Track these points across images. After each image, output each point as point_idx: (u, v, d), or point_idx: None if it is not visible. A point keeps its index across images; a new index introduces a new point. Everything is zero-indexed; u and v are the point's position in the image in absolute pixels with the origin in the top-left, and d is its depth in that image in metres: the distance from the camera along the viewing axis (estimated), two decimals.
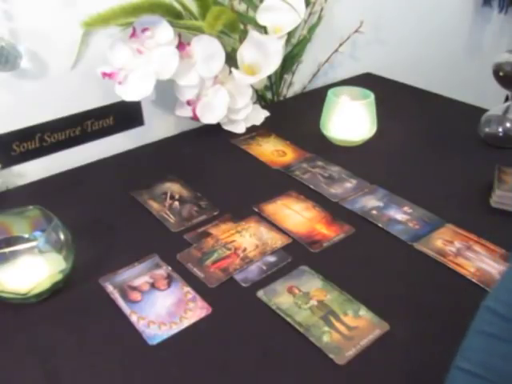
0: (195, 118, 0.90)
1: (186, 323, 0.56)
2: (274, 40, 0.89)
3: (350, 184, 0.80)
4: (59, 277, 0.58)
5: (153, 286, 0.61)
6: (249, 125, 0.97)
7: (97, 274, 0.62)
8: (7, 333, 0.55)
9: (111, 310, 0.58)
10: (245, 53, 0.90)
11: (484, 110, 0.93)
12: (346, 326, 0.55)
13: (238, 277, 0.62)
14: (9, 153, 0.81)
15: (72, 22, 0.77)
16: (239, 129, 0.95)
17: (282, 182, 0.80)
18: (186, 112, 0.90)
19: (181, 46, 0.83)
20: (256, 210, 0.73)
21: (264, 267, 0.63)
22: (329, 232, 0.69)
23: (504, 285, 0.42)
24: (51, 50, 0.80)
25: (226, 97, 0.88)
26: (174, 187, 0.79)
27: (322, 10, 1.07)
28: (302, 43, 1.07)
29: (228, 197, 0.77)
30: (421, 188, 0.79)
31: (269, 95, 1.10)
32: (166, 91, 0.88)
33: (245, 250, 0.66)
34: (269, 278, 0.62)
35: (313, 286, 0.60)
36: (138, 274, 0.62)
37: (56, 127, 0.85)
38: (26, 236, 0.61)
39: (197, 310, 0.57)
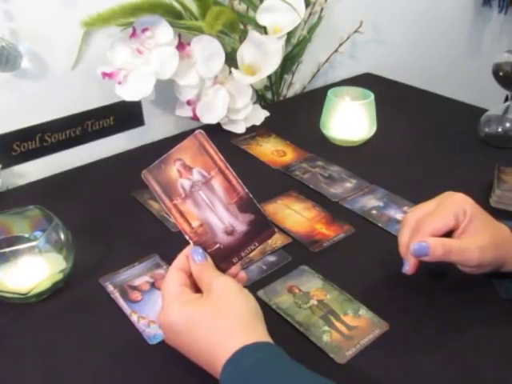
0: (195, 118, 0.90)
1: None
2: (274, 40, 0.89)
3: (350, 184, 0.80)
4: (59, 276, 0.59)
5: (153, 285, 0.61)
6: (249, 125, 0.97)
7: (97, 273, 0.62)
8: (7, 333, 0.55)
9: (111, 309, 0.58)
10: (245, 53, 0.90)
11: (484, 110, 0.93)
12: (346, 326, 0.55)
13: None
14: (9, 153, 0.81)
15: (72, 22, 0.77)
16: (239, 129, 0.95)
17: (281, 182, 0.80)
18: (186, 112, 0.90)
19: (181, 46, 0.83)
20: None
21: (264, 267, 0.63)
22: (329, 232, 0.69)
23: None
24: (51, 50, 0.80)
25: (226, 97, 0.88)
26: None
27: (322, 10, 1.07)
28: (302, 43, 1.07)
29: None
30: (421, 188, 0.79)
31: (269, 95, 1.10)
32: (166, 91, 0.88)
33: None
34: (269, 277, 0.62)
35: (313, 285, 0.60)
36: (138, 274, 0.62)
37: (56, 127, 0.85)
38: (27, 236, 0.61)
39: None
